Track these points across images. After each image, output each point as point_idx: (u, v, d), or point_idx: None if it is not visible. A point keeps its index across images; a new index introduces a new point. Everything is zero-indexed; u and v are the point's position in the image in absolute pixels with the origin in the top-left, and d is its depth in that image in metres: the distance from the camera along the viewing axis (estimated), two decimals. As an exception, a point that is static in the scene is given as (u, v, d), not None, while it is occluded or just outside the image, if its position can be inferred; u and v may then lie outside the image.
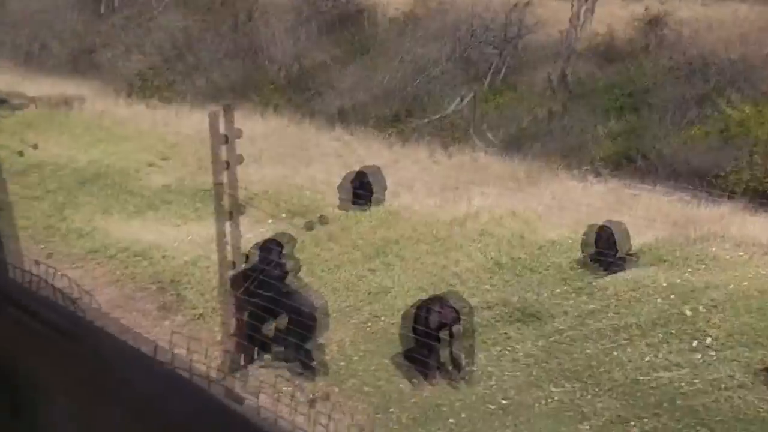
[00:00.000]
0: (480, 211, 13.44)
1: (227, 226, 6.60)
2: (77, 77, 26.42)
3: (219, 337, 8.18)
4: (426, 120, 23.40)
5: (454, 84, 25.14)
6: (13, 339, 1.60)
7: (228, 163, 6.40)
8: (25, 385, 2.17)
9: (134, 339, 1.42)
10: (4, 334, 1.63)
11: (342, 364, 8.57)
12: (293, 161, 16.16)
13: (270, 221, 12.02)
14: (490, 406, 8.16)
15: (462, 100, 24.46)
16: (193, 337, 6.93)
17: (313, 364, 8.16)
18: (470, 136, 22.56)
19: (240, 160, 6.58)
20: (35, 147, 14.51)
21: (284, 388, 7.18)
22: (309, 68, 26.11)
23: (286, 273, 9.28)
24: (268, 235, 10.34)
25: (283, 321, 8.13)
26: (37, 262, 2.07)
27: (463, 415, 7.94)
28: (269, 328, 8.26)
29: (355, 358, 8.70)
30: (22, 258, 2.19)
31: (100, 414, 1.35)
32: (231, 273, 8.33)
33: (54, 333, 1.46)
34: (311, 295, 8.91)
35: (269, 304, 8.01)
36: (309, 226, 8.58)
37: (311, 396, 6.06)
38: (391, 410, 7.83)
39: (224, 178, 6.43)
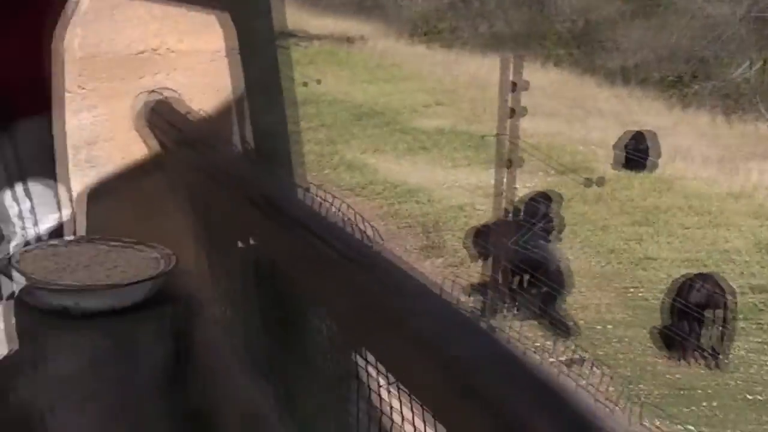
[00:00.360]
0: (758, 188, 12.77)
1: (502, 175, 6.57)
2: (361, 16, 27.07)
3: (475, 284, 8.21)
4: (710, 84, 22.33)
5: (745, 47, 23.76)
6: (300, 260, 1.62)
7: (513, 112, 6.32)
8: (306, 308, 2.23)
9: (417, 275, 1.41)
10: (292, 255, 1.66)
11: (598, 328, 8.40)
12: (570, 116, 15.92)
13: (541, 174, 11.91)
14: (748, 397, 7.76)
15: (751, 65, 23.13)
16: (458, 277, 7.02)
17: (570, 324, 8.05)
18: (756, 105, 21.34)
19: (523, 111, 6.51)
20: (318, 82, 15.03)
21: (535, 343, 7.13)
22: (595, 22, 25.49)
23: (552, 229, 9.17)
24: (538, 188, 10.25)
25: (537, 275, 8.03)
26: (320, 189, 2.09)
27: (714, 403, 7.60)
28: (525, 280, 8.20)
29: (610, 326, 8.50)
30: (307, 183, 2.24)
31: (380, 342, 1.34)
32: (497, 221, 8.31)
33: (341, 258, 1.46)
34: (561, 253, 8.79)
35: (531, 257, 7.95)
36: (587, 184, 8.40)
37: (569, 356, 5.98)
38: (641, 384, 7.60)
39: (507, 127, 6.37)
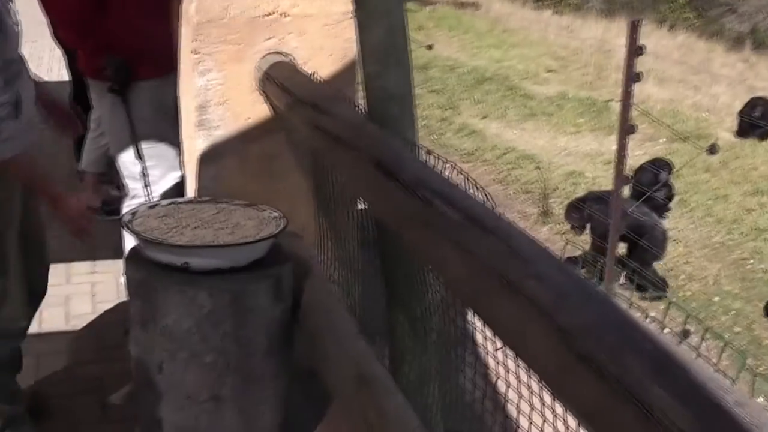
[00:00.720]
0: None
1: (623, 142, 6.42)
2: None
3: (585, 251, 8.10)
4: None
5: None
6: (417, 222, 1.62)
7: (638, 77, 6.17)
8: (419, 270, 2.23)
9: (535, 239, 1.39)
10: (409, 216, 1.66)
11: (716, 299, 8.20)
12: (693, 81, 15.49)
13: (662, 141, 11.67)
14: None
15: None
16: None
17: (661, 282, 7.85)
18: None
19: (646, 77, 6.34)
20: (430, 47, 14.92)
21: (649, 314, 7.00)
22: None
23: (672, 196, 8.96)
24: (654, 155, 10.02)
25: (642, 242, 7.85)
26: (434, 152, 2.09)
27: (825, 385, 7.32)
28: (629, 248, 8.01)
29: (718, 297, 8.27)
30: (427, 146, 2.24)
31: (493, 306, 1.33)
32: (592, 192, 8.19)
33: (461, 220, 1.45)
34: (668, 221, 8.62)
35: (639, 224, 7.78)
36: (712, 150, 8.13)
37: (684, 327, 5.86)
38: (751, 359, 7.37)
39: (629, 92, 6.22)
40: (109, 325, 4.47)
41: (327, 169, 2.79)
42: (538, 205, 9.52)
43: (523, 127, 12.65)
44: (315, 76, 2.85)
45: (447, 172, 1.80)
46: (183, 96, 3.43)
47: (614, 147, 7.16)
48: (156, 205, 2.73)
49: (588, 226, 7.96)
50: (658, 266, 8.20)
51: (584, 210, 7.85)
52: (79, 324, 4.54)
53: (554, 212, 9.20)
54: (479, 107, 13.45)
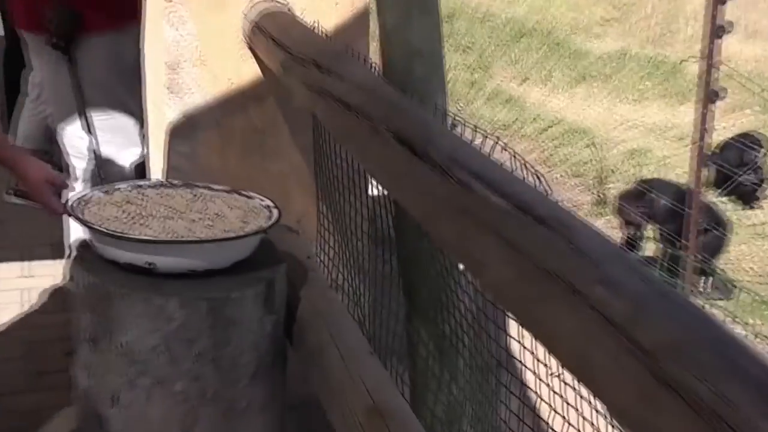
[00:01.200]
0: None
1: (701, 112, 6.39)
2: None
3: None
4: None
5: None
6: (450, 210, 1.62)
7: (722, 30, 6.12)
8: (450, 272, 2.23)
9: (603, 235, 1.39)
10: (440, 203, 1.65)
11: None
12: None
13: (749, 111, 11.62)
14: None
15: None
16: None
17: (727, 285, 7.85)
18: None
19: (730, 29, 6.25)
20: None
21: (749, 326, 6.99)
22: None
23: (762, 180, 8.92)
24: (742, 129, 9.97)
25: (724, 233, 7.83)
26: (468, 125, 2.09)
27: None
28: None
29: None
30: (456, 116, 2.23)
31: (548, 319, 1.33)
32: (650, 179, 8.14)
33: (510, 208, 1.44)
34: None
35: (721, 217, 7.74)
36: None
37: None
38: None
39: (711, 50, 6.18)
40: (46, 344, 4.44)
41: (332, 144, 2.79)
42: (592, 191, 9.50)
43: (572, 93, 12.62)
44: (317, 27, 2.85)
45: (487, 149, 1.79)
46: (148, 53, 3.42)
47: (689, 119, 7.11)
48: (114, 189, 2.71)
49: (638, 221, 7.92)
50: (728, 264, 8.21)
51: (645, 200, 7.80)
52: (6, 342, 4.52)
53: (612, 201, 9.18)
54: (517, 68, 13.41)
